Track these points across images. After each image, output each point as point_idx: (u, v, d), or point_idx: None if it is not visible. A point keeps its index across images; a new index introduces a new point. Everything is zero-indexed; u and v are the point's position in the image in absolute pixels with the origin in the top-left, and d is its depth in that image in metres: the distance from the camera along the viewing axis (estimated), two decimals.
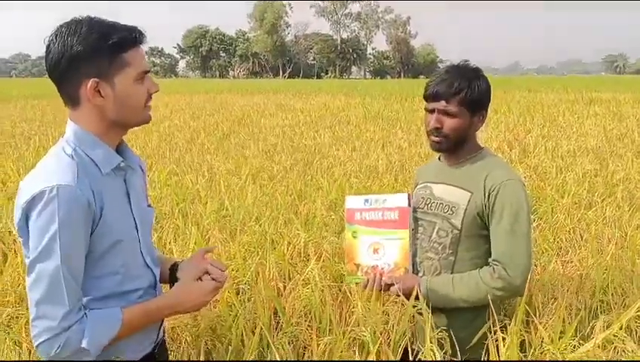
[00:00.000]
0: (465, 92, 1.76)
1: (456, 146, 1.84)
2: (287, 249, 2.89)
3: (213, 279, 1.47)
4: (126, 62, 1.26)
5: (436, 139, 1.83)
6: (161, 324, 1.54)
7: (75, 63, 1.21)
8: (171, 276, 1.54)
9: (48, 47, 1.23)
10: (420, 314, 1.71)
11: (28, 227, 1.19)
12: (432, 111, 1.82)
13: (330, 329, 1.99)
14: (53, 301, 1.19)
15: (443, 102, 1.78)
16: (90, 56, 1.21)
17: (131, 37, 1.27)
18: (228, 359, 2.03)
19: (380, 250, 1.87)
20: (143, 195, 1.47)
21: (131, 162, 1.40)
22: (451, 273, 1.84)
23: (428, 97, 1.83)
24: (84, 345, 1.22)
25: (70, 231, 1.18)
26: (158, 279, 1.48)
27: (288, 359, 1.90)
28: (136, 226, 1.38)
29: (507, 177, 1.78)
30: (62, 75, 1.24)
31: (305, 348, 2.08)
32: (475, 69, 1.84)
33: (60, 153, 1.27)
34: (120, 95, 1.26)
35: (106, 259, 1.29)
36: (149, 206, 1.51)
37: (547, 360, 1.63)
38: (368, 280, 1.85)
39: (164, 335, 1.61)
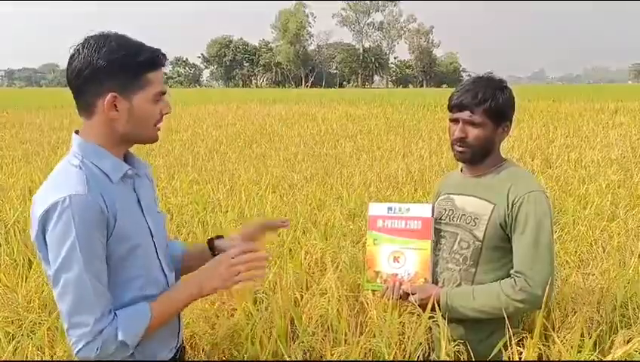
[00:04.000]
0: (489, 102, 1.77)
1: (480, 157, 1.85)
2: (305, 258, 2.91)
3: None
4: (147, 82, 1.30)
5: (460, 149, 1.83)
6: (179, 330, 1.57)
7: (97, 76, 1.25)
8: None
9: (73, 56, 1.27)
10: (437, 325, 1.71)
11: (45, 241, 1.22)
12: (456, 121, 1.84)
13: (345, 340, 2.00)
14: (83, 308, 1.22)
15: (468, 113, 1.79)
16: (114, 71, 1.25)
17: (157, 59, 1.31)
18: None
19: (401, 258, 1.87)
20: (153, 202, 1.49)
21: (139, 170, 1.43)
22: (472, 284, 1.83)
23: (453, 107, 1.84)
24: (121, 338, 1.25)
25: (88, 237, 1.21)
26: (171, 284, 1.50)
27: None
28: (151, 232, 1.41)
29: (531, 189, 1.77)
30: (82, 84, 1.27)
31: (321, 357, 2.09)
32: (500, 80, 1.85)
33: (67, 165, 1.30)
34: (135, 112, 1.30)
35: (126, 265, 1.32)
36: (159, 212, 1.53)
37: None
38: (387, 288, 1.86)
39: (183, 342, 1.63)
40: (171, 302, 1.39)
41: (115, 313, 1.28)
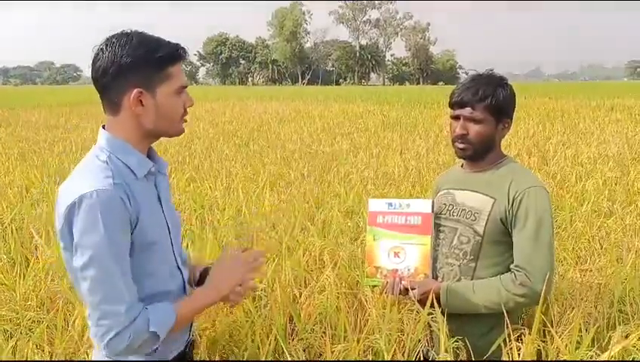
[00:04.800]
0: (490, 99, 1.78)
1: (481, 153, 1.86)
2: (303, 255, 2.91)
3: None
4: (169, 76, 1.34)
5: (461, 145, 1.85)
6: (191, 324, 1.60)
7: (122, 73, 1.29)
8: (201, 279, 1.60)
9: (97, 55, 1.31)
10: (435, 321, 1.71)
11: (71, 233, 1.25)
12: (457, 118, 1.85)
13: (344, 337, 2.00)
14: (114, 299, 1.25)
15: (469, 109, 1.80)
16: (137, 67, 1.29)
17: (177, 52, 1.35)
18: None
19: (401, 254, 1.88)
20: (170, 199, 1.53)
21: (161, 167, 1.47)
22: (471, 279, 1.85)
23: (454, 104, 1.86)
24: (152, 329, 1.28)
25: (114, 231, 1.24)
26: (187, 281, 1.54)
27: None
28: (169, 229, 1.44)
29: (531, 184, 1.79)
30: (108, 82, 1.31)
31: (320, 354, 2.09)
32: (501, 77, 1.87)
33: (95, 160, 1.33)
34: (160, 106, 1.34)
35: (142, 261, 1.34)
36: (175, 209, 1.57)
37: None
38: (387, 284, 1.87)
39: (193, 336, 1.66)
40: (191, 305, 1.43)
41: (144, 306, 1.31)
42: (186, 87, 1.40)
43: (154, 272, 1.38)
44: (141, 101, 1.32)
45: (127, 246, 1.29)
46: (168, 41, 1.36)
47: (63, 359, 2.00)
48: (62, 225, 1.26)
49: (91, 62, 1.33)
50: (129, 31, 1.33)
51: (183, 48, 1.37)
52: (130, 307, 1.26)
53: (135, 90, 1.30)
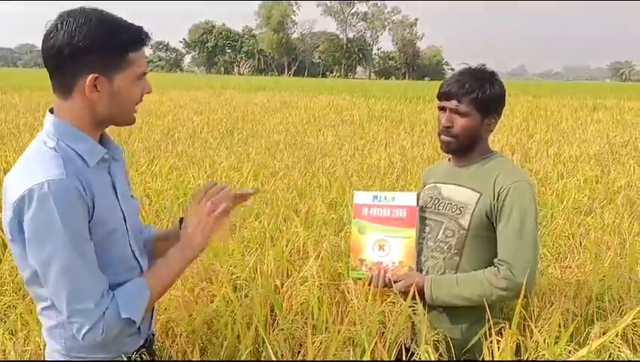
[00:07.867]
0: (476, 93, 1.79)
1: (465, 147, 1.86)
2: (286, 246, 2.89)
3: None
4: (130, 62, 1.25)
5: (446, 138, 1.85)
6: (152, 318, 1.54)
7: (78, 55, 1.19)
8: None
9: (50, 32, 1.19)
10: (417, 313, 1.72)
11: (21, 227, 1.17)
12: (443, 109, 1.85)
13: (326, 328, 1.99)
14: (82, 294, 1.20)
15: (454, 102, 1.81)
16: (95, 50, 1.19)
17: (139, 38, 1.26)
18: (222, 355, 2.03)
19: (386, 246, 1.88)
20: (126, 186, 1.45)
21: (114, 153, 1.38)
22: (455, 273, 1.85)
23: (441, 96, 1.86)
24: (124, 316, 1.24)
25: (72, 221, 1.17)
26: (145, 271, 1.46)
27: (283, 356, 1.90)
28: (124, 218, 1.37)
29: (517, 179, 1.79)
30: (61, 64, 1.21)
31: (300, 345, 2.08)
32: (491, 72, 1.87)
33: (42, 147, 1.24)
34: (116, 93, 1.25)
35: (101, 251, 1.28)
36: (132, 197, 1.48)
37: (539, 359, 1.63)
38: (372, 276, 1.86)
39: (154, 330, 1.60)
40: (165, 271, 1.37)
41: (113, 293, 1.26)
42: (146, 73, 1.31)
43: (110, 263, 1.31)
44: (96, 86, 1.22)
45: (87, 234, 1.21)
46: (131, 24, 1.25)
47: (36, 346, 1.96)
48: (11, 219, 1.18)
49: (43, 38, 1.20)
50: (87, 9, 1.21)
51: (146, 33, 1.27)
52: (99, 301, 1.21)
53: (91, 75, 1.20)
